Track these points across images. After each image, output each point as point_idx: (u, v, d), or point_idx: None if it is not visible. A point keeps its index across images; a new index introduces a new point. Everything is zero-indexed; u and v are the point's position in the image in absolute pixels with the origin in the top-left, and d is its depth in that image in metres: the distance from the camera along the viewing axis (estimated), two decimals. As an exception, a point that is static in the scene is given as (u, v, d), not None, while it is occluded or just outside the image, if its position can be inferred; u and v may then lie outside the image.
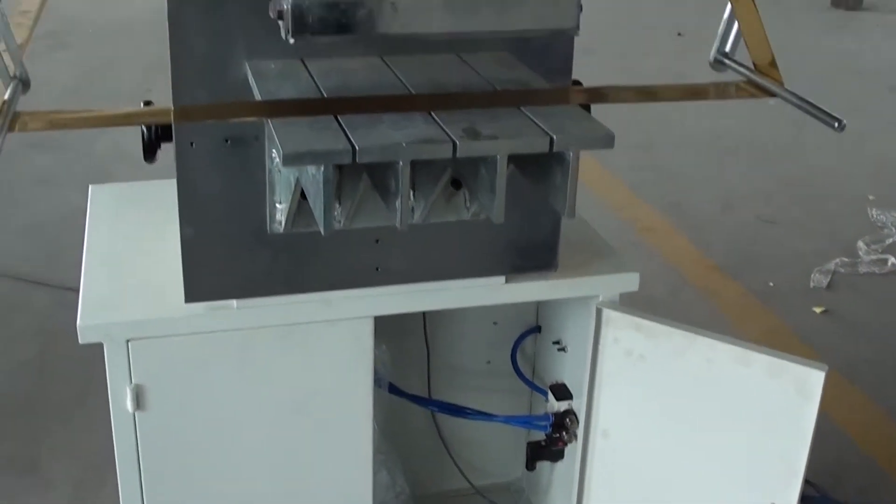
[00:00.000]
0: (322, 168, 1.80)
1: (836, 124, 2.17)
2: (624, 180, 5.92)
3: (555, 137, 1.88)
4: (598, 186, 5.73)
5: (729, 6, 2.35)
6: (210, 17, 2.13)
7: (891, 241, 5.48)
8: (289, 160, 1.78)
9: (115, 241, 2.69)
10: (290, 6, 1.76)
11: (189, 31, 2.13)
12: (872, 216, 5.74)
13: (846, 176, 6.31)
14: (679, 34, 8.61)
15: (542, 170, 2.00)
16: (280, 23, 1.81)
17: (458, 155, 1.85)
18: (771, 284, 5.01)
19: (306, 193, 1.99)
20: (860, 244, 5.38)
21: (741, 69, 2.35)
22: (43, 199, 5.38)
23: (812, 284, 5.02)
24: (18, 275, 4.87)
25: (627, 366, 2.49)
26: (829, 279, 5.06)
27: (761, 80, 2.29)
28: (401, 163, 1.82)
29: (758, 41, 2.29)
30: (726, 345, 2.38)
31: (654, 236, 5.43)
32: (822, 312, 4.78)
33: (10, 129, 1.87)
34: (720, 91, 2.30)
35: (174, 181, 2.24)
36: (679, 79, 7.06)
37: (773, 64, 2.29)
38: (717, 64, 2.42)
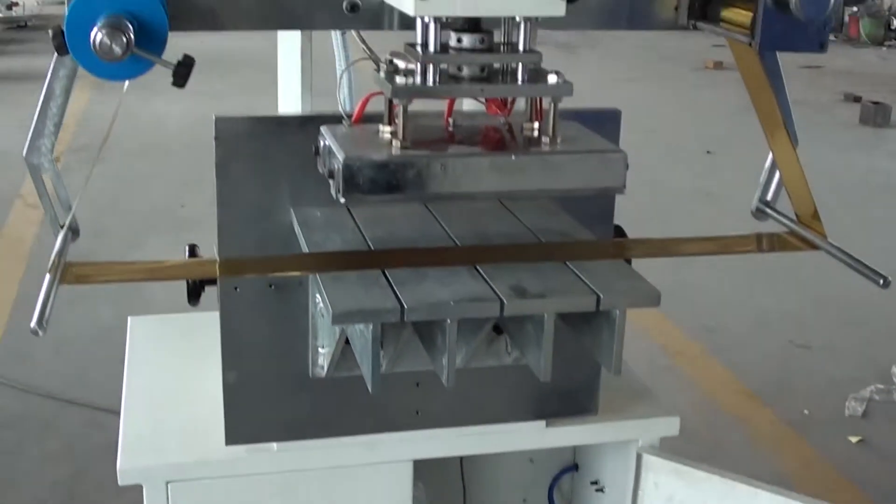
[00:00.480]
0: (370, 325, 1.81)
1: (881, 281, 2.17)
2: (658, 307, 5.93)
3: (601, 296, 1.89)
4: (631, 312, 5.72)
5: (770, 155, 2.37)
6: (257, 165, 2.18)
7: (926, 367, 5.43)
8: (338, 319, 1.80)
9: (154, 378, 2.70)
10: (341, 167, 1.78)
11: (236, 179, 2.17)
12: (906, 341, 5.70)
13: (879, 298, 6.27)
14: (708, 152, 8.65)
15: (587, 323, 2.01)
16: (330, 181, 1.84)
17: (505, 314, 1.86)
18: (806, 412, 4.95)
19: (352, 345, 2.00)
20: (894, 370, 5.33)
21: (784, 220, 2.36)
22: (73, 315, 5.40)
23: (847, 412, 4.97)
24: (50, 393, 4.87)
25: (668, 512, 2.47)
26: (864, 407, 5.00)
27: (804, 232, 2.30)
28: (448, 321, 1.83)
29: (800, 192, 2.30)
30: (767, 493, 2.36)
31: (685, 361, 5.40)
32: (858, 442, 4.72)
33: (62, 281, 1.90)
34: (763, 243, 2.31)
35: (213, 314, 2.26)
36: (708, 197, 7.08)
37: (815, 216, 2.30)
38: (759, 213, 2.43)
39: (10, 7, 15.50)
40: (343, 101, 2.35)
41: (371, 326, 1.81)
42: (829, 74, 13.12)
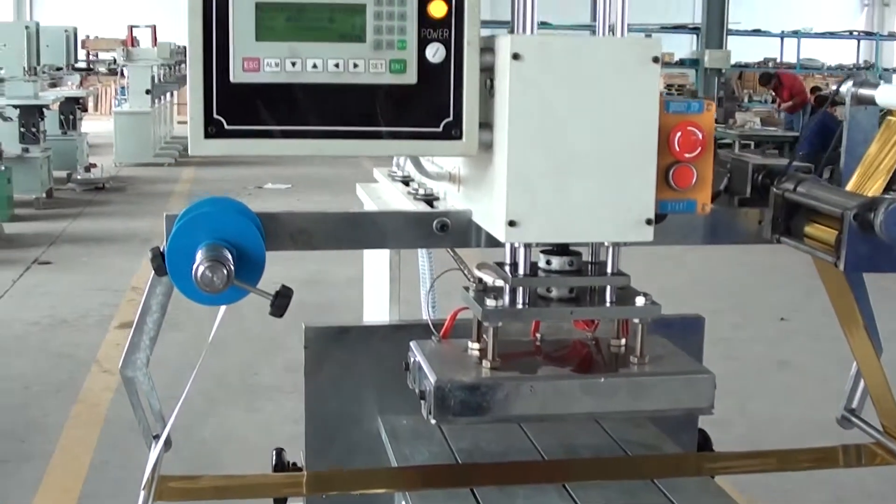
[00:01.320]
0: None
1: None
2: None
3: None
4: None
5: (855, 364, 2.36)
6: (345, 374, 2.21)
7: None
8: (430, 543, 1.81)
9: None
10: (432, 389, 1.81)
11: (324, 387, 2.21)
12: None
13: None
14: (782, 319, 8.59)
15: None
16: (422, 402, 1.87)
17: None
18: None
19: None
20: None
21: (870, 430, 2.34)
22: None
23: None
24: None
25: None
26: None
27: (891, 444, 2.28)
28: (537, 546, 1.83)
29: (886, 402, 2.29)
30: None
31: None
32: None
33: (157, 497, 1.93)
34: (849, 456, 2.29)
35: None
36: (783, 365, 6.90)
37: (903, 426, 2.28)
38: (844, 421, 2.42)
39: (88, 169, 15.97)
40: (429, 311, 2.39)
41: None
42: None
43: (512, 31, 1.84)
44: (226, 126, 1.79)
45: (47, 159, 13.54)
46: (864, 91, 2.13)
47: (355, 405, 2.23)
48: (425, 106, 1.83)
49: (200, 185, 16.11)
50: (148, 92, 18.24)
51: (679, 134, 1.85)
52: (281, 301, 1.80)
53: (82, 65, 20.37)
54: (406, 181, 2.53)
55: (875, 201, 1.87)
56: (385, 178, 2.65)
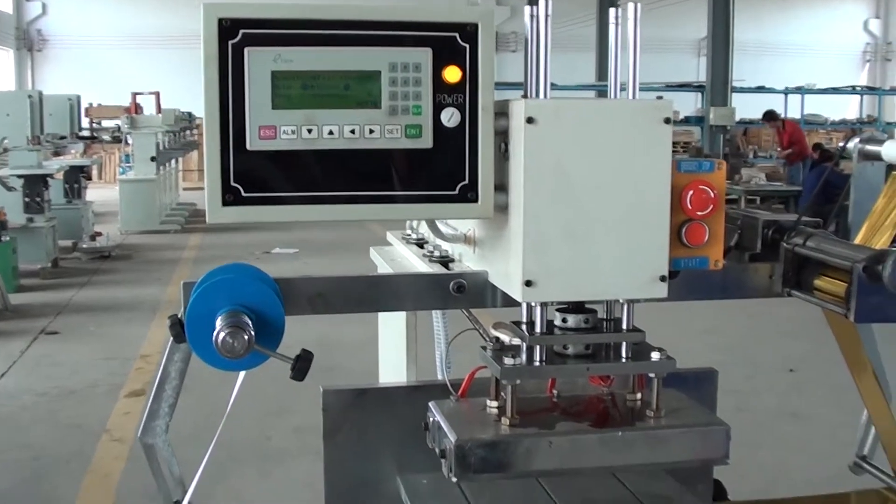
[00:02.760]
0: None
1: None
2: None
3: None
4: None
5: (866, 412, 2.39)
6: (363, 435, 2.24)
7: None
8: None
9: None
10: (452, 448, 1.84)
11: (343, 450, 2.23)
12: None
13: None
14: (791, 370, 8.62)
15: None
16: (443, 461, 1.89)
17: None
18: None
19: None
20: None
21: (881, 475, 2.37)
22: None
23: None
24: None
25: None
26: None
27: (903, 490, 2.32)
28: None
29: (897, 448, 2.33)
30: None
31: None
32: None
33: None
34: (862, 500, 2.32)
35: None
36: (793, 417, 6.94)
37: (915, 473, 2.31)
38: (856, 468, 2.45)
39: (93, 238, 16.04)
40: (444, 371, 2.42)
41: None
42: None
43: (526, 96, 1.89)
44: (243, 194, 1.83)
45: (52, 229, 13.59)
46: (870, 147, 2.18)
47: (374, 466, 2.25)
48: (441, 169, 1.88)
49: (207, 251, 16.21)
50: (153, 159, 18.39)
51: (691, 193, 1.89)
52: (302, 364, 1.83)
53: (86, 133, 20.48)
54: (420, 243, 2.56)
55: (883, 253, 1.91)
56: (399, 242, 2.69)
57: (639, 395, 2.03)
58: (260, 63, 1.80)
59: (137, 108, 22.85)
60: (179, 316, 1.91)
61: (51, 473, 6.49)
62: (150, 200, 18.27)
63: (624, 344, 1.94)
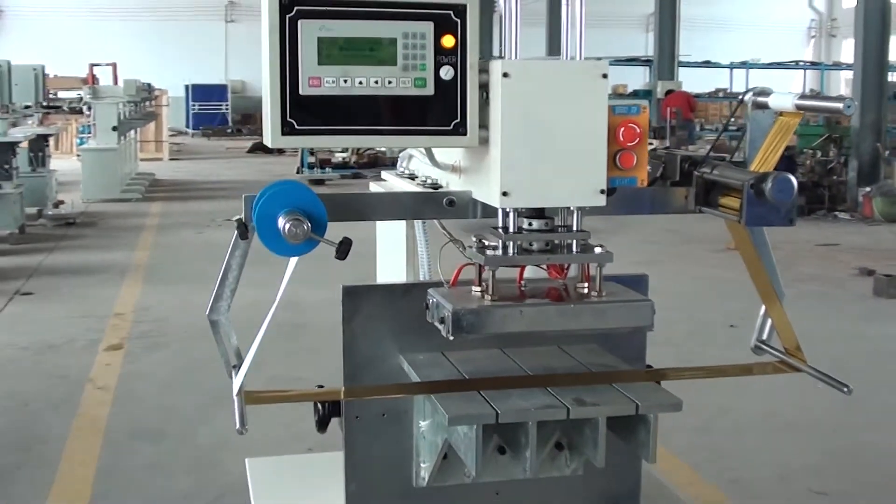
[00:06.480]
0: (474, 427, 2.51)
1: (845, 389, 2.88)
2: (687, 462, 6.43)
3: (639, 404, 2.60)
4: (663, 466, 6.21)
5: (763, 307, 3.09)
6: (373, 321, 2.90)
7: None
8: (453, 421, 2.52)
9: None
10: (450, 314, 2.51)
11: (357, 332, 2.89)
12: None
13: (892, 450, 6.72)
14: (731, 326, 9.21)
15: (629, 430, 2.70)
16: (441, 326, 2.56)
17: (570, 417, 2.56)
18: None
19: (457, 450, 2.68)
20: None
21: (775, 352, 3.07)
22: (152, 486, 5.77)
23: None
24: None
25: None
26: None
27: (791, 360, 3.02)
28: (530, 423, 2.53)
29: (786, 332, 3.03)
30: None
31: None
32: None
33: (245, 402, 2.60)
34: (762, 369, 3.02)
35: (324, 455, 2.93)
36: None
37: (798, 348, 3.02)
38: (757, 349, 3.15)
39: (57, 205, 16.31)
40: (426, 270, 3.13)
41: (475, 427, 2.51)
42: (844, 251, 13.59)
43: (501, 57, 2.55)
44: (296, 126, 2.48)
45: (20, 195, 13.89)
46: (761, 98, 2.83)
47: (381, 346, 2.92)
48: (440, 111, 2.54)
49: (169, 218, 16.52)
50: (115, 129, 18.62)
51: (623, 129, 2.57)
52: (343, 247, 2.48)
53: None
54: (412, 177, 3.22)
55: (766, 175, 2.57)
56: (393, 177, 3.36)
57: (586, 284, 2.70)
58: (309, 31, 2.44)
59: (94, 80, 22.96)
60: (243, 219, 2.54)
61: (43, 417, 6.84)
62: (111, 169, 18.51)
63: (574, 241, 2.61)
